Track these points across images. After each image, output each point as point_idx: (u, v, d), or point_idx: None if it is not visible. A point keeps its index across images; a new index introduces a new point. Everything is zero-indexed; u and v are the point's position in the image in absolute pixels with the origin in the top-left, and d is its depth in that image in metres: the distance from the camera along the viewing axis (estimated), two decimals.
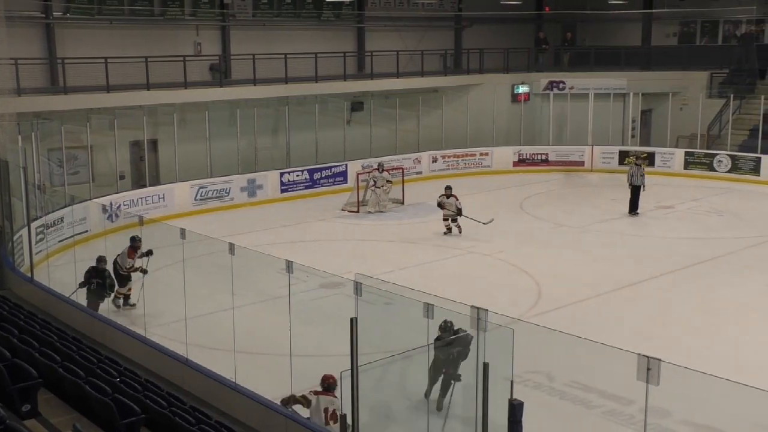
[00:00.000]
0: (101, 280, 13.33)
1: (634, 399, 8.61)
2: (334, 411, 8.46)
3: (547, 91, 29.89)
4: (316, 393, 8.73)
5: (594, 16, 34.40)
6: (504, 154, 28.03)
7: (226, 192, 22.46)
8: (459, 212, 18.96)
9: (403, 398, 9.37)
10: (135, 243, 13.70)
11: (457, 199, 19.16)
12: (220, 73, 24.69)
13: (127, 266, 13.73)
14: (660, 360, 6.72)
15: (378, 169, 22.37)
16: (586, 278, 15.46)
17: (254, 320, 12.64)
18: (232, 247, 10.24)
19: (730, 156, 26.44)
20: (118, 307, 13.84)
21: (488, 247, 17.88)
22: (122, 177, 21.73)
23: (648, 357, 6.77)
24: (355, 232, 19.84)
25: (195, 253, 12.28)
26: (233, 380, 9.97)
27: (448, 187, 19.43)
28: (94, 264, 13.42)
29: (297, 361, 9.75)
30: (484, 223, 18.90)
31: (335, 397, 8.61)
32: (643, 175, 21.28)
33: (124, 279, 13.84)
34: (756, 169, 25.67)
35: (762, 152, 25.75)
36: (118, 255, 13.87)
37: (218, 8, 25.52)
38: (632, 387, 7.44)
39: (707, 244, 17.99)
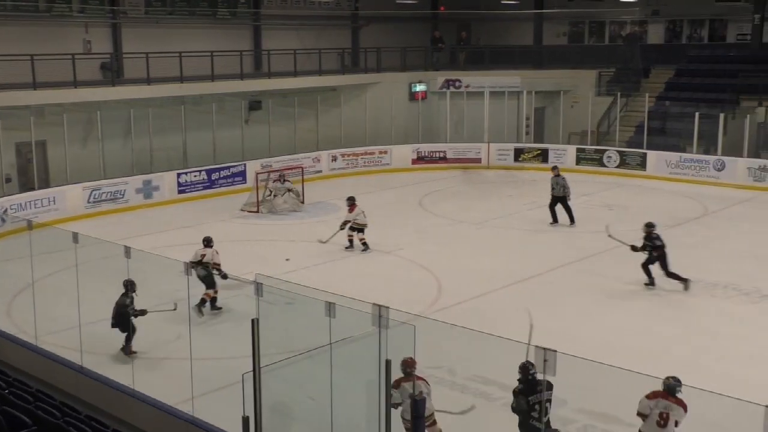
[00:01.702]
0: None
1: None
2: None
3: (444, 90, 30.35)
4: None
5: (488, 15, 35.17)
6: (402, 152, 28.30)
7: (120, 194, 21.84)
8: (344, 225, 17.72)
9: (306, 398, 9.32)
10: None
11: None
12: (112, 72, 23.97)
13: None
14: (556, 351, 6.92)
15: (280, 180, 22.14)
16: (484, 273, 15.78)
17: (152, 324, 12.34)
18: (127, 250, 9.98)
19: (619, 152, 27.48)
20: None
21: (389, 244, 18.00)
22: (8, 180, 20.83)
23: (544, 348, 6.96)
24: (256, 232, 19.65)
25: (89, 257, 11.89)
26: (131, 387, 9.72)
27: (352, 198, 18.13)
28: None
29: (198, 365, 9.59)
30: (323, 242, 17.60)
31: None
32: (563, 186, 20.05)
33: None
34: (642, 164, 26.77)
35: (648, 148, 26.87)
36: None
37: (108, 5, 24.78)
38: None
39: (599, 237, 18.60)
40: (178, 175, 23.18)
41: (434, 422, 8.65)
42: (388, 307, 7.44)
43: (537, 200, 23.01)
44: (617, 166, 27.23)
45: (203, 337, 11.28)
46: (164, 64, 23.49)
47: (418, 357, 7.75)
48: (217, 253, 14.13)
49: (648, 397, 8.41)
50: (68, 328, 11.15)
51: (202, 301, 13.32)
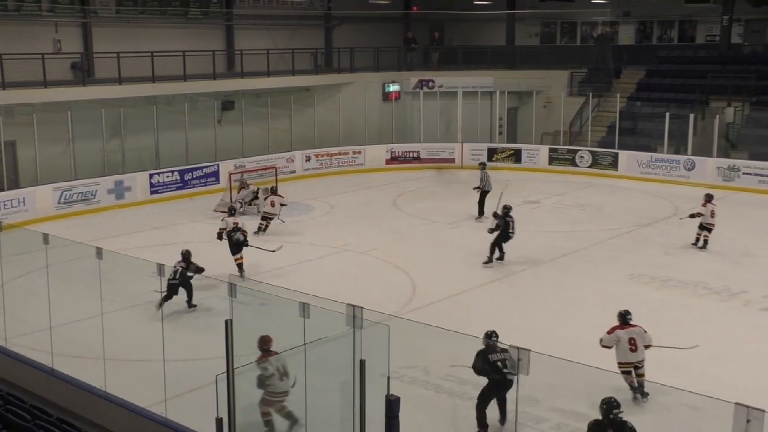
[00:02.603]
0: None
1: None
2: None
3: (417, 90, 30.42)
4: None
5: (460, 16, 35.30)
6: (376, 153, 28.32)
7: (92, 194, 21.63)
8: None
9: None
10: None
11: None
12: (83, 72, 23.74)
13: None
14: (529, 350, 6.97)
15: (245, 187, 21.73)
16: (458, 273, 15.82)
17: (125, 326, 12.25)
18: (99, 252, 9.89)
19: (591, 152, 27.70)
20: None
21: (363, 244, 18.01)
22: None
23: (518, 348, 7.01)
24: None
25: (60, 258, 11.79)
26: (103, 389, 9.64)
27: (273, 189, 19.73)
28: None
29: (171, 366, 9.53)
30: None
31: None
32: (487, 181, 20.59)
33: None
34: (614, 164, 27.00)
35: (619, 148, 27.11)
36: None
37: (78, 4, 24.54)
38: None
39: (572, 237, 18.76)
40: (151, 175, 23.00)
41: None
42: (362, 308, 7.45)
43: (510, 200, 23.11)
44: (589, 166, 27.44)
45: (177, 339, 11.20)
46: (136, 63, 23.31)
47: (392, 357, 7.75)
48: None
49: (608, 332, 10.39)
50: (39, 330, 11.03)
51: (239, 267, 15.20)
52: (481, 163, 21.80)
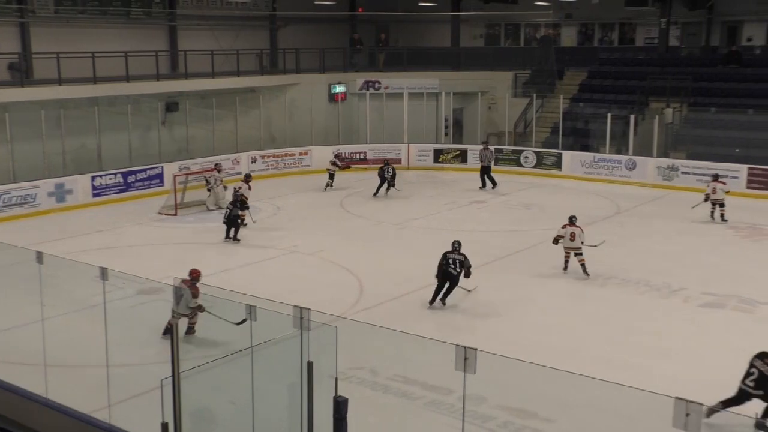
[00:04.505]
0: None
1: (453, 388, 8.96)
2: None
3: (363, 91, 30.45)
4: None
5: (406, 17, 35.45)
6: (323, 154, 28.20)
7: (32, 198, 21.14)
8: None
9: (227, 402, 9.22)
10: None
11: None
12: (21, 73, 23.21)
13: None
14: (476, 349, 7.03)
15: (216, 169, 22.27)
16: (405, 273, 15.87)
17: (67, 331, 12.01)
18: (39, 256, 9.68)
19: (535, 152, 28.06)
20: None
21: (310, 246, 17.97)
22: None
23: (465, 347, 7.06)
24: (174, 235, 19.31)
25: None
26: (44, 395, 9.43)
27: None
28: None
29: (116, 371, 9.38)
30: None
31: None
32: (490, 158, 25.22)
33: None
34: (558, 164, 27.41)
35: (563, 148, 27.53)
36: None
37: (15, 3, 23.98)
38: (451, 377, 7.73)
39: (518, 236, 18.98)
40: (93, 178, 22.58)
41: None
42: (309, 309, 7.44)
43: (457, 200, 23.35)
44: (534, 167, 27.81)
45: (121, 343, 11.02)
46: (76, 64, 22.88)
47: (340, 358, 7.75)
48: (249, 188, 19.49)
49: (562, 227, 15.86)
50: None
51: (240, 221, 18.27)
52: (483, 142, 26.31)
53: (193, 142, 25.57)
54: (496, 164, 28.16)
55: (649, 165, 25.89)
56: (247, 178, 20.31)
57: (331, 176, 24.89)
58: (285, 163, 27.60)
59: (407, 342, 10.40)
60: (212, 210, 21.64)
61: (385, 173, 23.86)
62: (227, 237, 18.31)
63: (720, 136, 26.29)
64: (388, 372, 10.85)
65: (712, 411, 9.27)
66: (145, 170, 23.82)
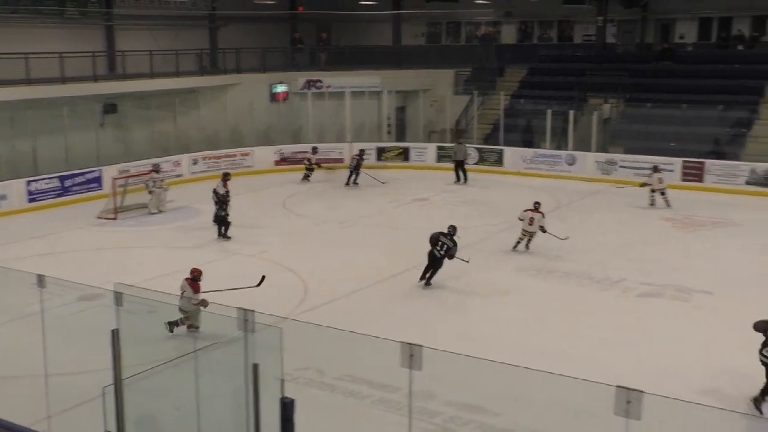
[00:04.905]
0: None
1: (400, 386, 8.96)
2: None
3: (305, 90, 30.32)
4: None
5: (347, 16, 35.41)
6: (265, 154, 28.07)
7: None
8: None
9: (172, 408, 9.10)
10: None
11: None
12: None
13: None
14: (422, 346, 7.05)
15: (155, 170, 21.91)
16: (350, 272, 15.87)
17: (3, 341, 11.70)
18: None
19: (477, 149, 28.31)
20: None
21: (253, 247, 17.83)
22: None
23: (410, 344, 7.08)
24: (114, 240, 18.95)
25: None
26: None
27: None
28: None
29: (55, 381, 9.17)
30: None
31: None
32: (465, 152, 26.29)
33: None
34: (500, 161, 27.70)
35: (504, 144, 27.83)
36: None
37: None
38: (398, 374, 7.75)
39: (461, 233, 19.10)
40: (28, 182, 22.03)
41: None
42: (253, 311, 7.37)
43: (400, 198, 23.42)
44: (476, 163, 28.03)
45: (60, 352, 10.78)
46: (9, 65, 22.28)
47: (286, 359, 7.70)
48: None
49: (524, 211, 17.11)
50: None
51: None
52: (457, 138, 27.73)
53: (133, 145, 25.13)
54: (438, 161, 28.41)
55: (588, 160, 26.35)
56: (225, 177, 19.61)
57: (310, 170, 26.09)
58: (226, 164, 27.24)
59: (353, 341, 10.39)
60: (154, 213, 21.31)
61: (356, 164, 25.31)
62: (219, 235, 18.60)
63: (656, 131, 26.88)
64: (335, 372, 10.83)
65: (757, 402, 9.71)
66: (83, 174, 23.33)
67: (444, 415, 9.59)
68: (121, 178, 22.08)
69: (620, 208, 21.93)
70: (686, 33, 33.21)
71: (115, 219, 20.72)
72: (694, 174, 24.70)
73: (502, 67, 32.58)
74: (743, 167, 24.18)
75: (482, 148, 28.34)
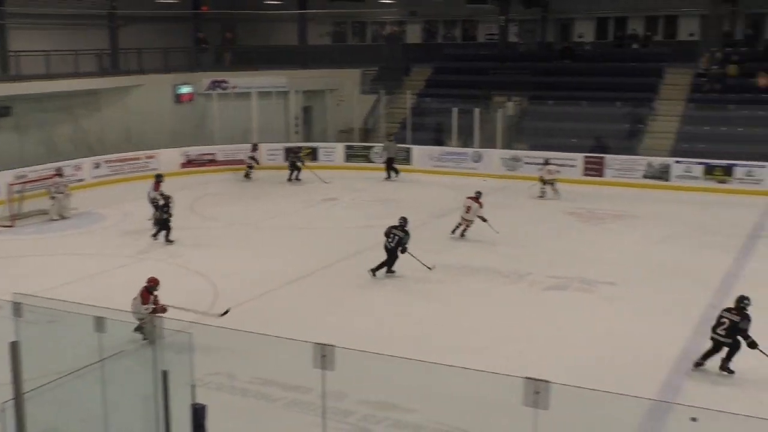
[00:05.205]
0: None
1: (312, 386, 8.94)
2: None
3: (211, 91, 29.84)
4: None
5: (252, 15, 35.05)
6: (171, 156, 27.49)
7: None
8: None
9: (77, 420, 8.83)
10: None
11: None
12: None
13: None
14: (334, 346, 7.06)
15: (58, 174, 21.10)
16: (260, 274, 15.72)
17: None
18: None
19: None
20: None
21: (160, 252, 17.46)
22: None
23: (322, 344, 7.08)
24: (11, 248, 18.22)
25: None
26: None
27: None
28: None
29: None
30: None
31: None
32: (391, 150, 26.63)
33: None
34: (407, 159, 27.93)
35: (412, 143, 28.08)
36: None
37: None
38: (310, 375, 7.74)
39: (371, 232, 19.16)
40: None
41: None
42: (160, 317, 7.22)
43: (309, 198, 23.35)
44: (384, 162, 28.17)
45: None
46: None
47: (196, 364, 7.58)
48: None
49: (466, 198, 18.24)
50: None
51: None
52: (388, 136, 27.94)
53: (30, 149, 24.21)
54: (346, 160, 28.48)
55: (494, 156, 26.86)
56: (157, 179, 19.76)
57: (250, 167, 26.53)
58: (131, 167, 26.63)
59: (264, 343, 10.31)
60: (56, 220, 20.59)
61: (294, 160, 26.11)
62: (156, 237, 18.27)
63: (557, 128, 27.63)
64: (246, 375, 10.72)
65: (697, 365, 10.82)
66: None
67: (358, 414, 9.62)
68: (18, 183, 21.23)
69: (526, 204, 22.46)
70: (585, 32, 34.25)
71: (12, 227, 19.92)
72: (595, 169, 25.48)
73: (408, 67, 32.87)
74: (641, 161, 25.11)
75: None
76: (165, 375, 7.17)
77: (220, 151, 28.32)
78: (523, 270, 15.88)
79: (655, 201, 22.80)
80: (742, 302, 10.77)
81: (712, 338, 10.85)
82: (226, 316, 12.00)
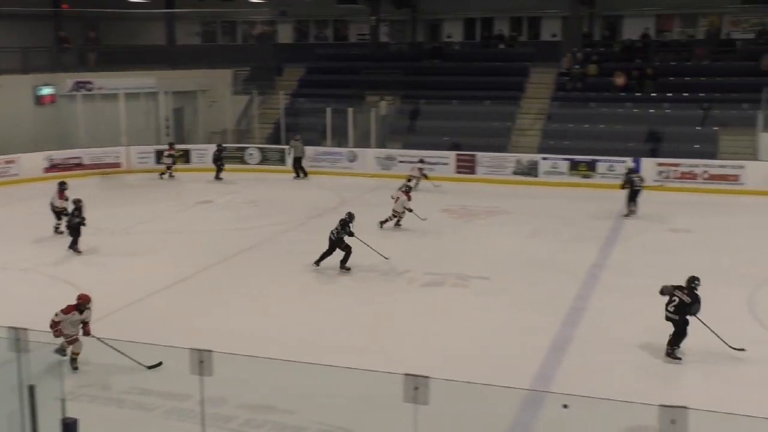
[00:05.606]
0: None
1: (191, 393, 8.77)
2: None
3: (74, 92, 28.67)
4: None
5: (117, 14, 33.94)
6: (33, 161, 26.23)
7: None
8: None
9: None
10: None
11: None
12: None
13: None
14: (211, 351, 6.95)
15: None
16: (133, 281, 15.23)
17: None
18: None
19: (260, 149, 28.24)
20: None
21: (24, 261, 16.64)
22: None
23: (199, 350, 6.96)
24: None
25: None
26: None
27: None
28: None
29: None
30: None
31: None
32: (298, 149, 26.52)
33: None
34: (282, 160, 27.80)
35: (286, 144, 27.94)
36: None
37: None
38: (189, 381, 7.58)
39: (247, 234, 18.97)
40: None
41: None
42: (26, 329, 6.91)
43: (184, 201, 22.85)
44: (259, 163, 27.97)
45: None
46: None
47: (66, 377, 7.29)
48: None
49: (397, 189, 19.31)
50: None
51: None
52: (294, 136, 27.09)
53: None
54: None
55: (369, 156, 27.09)
56: (61, 186, 19.21)
57: (169, 167, 26.40)
58: None
59: (139, 351, 10.03)
60: None
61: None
62: (75, 247, 17.37)
63: (430, 126, 28.16)
64: (122, 385, 10.37)
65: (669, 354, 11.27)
66: None
67: (238, 419, 9.48)
68: None
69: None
70: (453, 33, 35.06)
71: None
72: (466, 166, 26.12)
73: (281, 67, 32.69)
74: (510, 158, 25.92)
75: (265, 148, 28.29)
76: (32, 390, 6.86)
77: (86, 154, 27.25)
78: (400, 267, 16.07)
79: (524, 196, 23.61)
80: (692, 282, 11.30)
81: (666, 317, 11.28)
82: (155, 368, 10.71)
